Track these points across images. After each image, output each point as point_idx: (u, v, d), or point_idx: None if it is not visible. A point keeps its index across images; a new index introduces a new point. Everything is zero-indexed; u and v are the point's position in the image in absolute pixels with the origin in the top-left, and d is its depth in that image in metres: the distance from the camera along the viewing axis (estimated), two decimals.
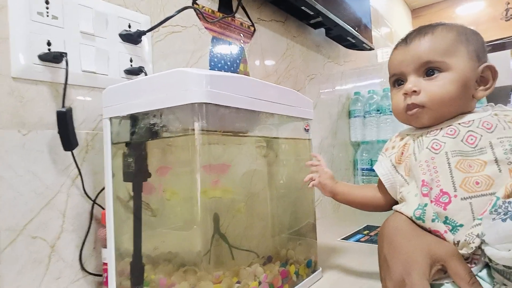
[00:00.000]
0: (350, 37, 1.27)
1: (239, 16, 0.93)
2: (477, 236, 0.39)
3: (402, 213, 0.47)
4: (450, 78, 0.47)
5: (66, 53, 0.52)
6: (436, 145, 0.46)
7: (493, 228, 0.35)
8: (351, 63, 1.55)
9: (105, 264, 0.56)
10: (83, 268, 0.57)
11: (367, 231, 0.98)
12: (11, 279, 0.48)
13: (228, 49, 0.89)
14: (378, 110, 1.40)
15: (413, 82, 0.49)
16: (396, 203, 0.51)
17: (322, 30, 1.26)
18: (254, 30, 0.97)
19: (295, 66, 1.14)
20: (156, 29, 0.70)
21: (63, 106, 0.52)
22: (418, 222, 0.44)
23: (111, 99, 0.51)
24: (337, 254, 0.78)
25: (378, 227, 1.03)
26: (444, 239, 0.42)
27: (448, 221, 0.42)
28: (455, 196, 0.42)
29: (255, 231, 0.60)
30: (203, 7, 0.82)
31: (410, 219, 0.45)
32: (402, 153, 0.51)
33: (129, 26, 0.65)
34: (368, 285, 0.60)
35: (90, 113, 0.59)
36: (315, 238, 0.67)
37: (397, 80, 0.53)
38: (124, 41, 0.64)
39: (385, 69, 1.87)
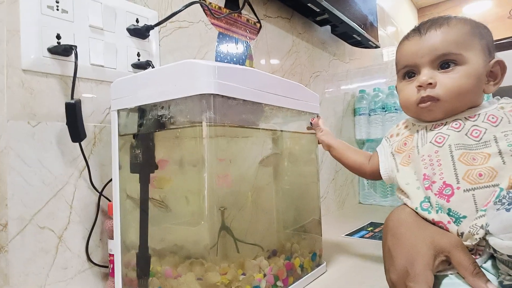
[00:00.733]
0: (356, 35, 1.27)
1: (246, 12, 0.93)
2: (481, 227, 0.39)
3: (407, 205, 0.47)
4: (466, 71, 0.46)
5: (75, 46, 0.53)
6: (440, 138, 0.46)
7: (497, 218, 0.35)
8: (356, 61, 1.54)
9: (111, 255, 0.56)
10: (89, 259, 0.57)
11: (371, 228, 0.98)
12: (19, 267, 0.49)
13: (234, 45, 0.89)
14: (383, 108, 1.39)
15: (427, 74, 0.48)
16: (379, 175, 0.54)
17: (328, 27, 1.26)
18: (260, 26, 0.98)
19: (300, 63, 1.14)
20: (164, 24, 0.70)
21: (72, 98, 0.52)
22: (423, 213, 0.44)
23: (119, 92, 0.52)
24: (341, 249, 0.78)
25: (382, 224, 1.03)
26: (447, 230, 0.42)
27: (451, 213, 0.42)
28: (458, 188, 0.42)
29: (260, 225, 0.60)
30: (210, 3, 0.82)
31: (415, 211, 0.45)
32: (405, 143, 0.51)
33: (137, 21, 0.65)
34: (372, 279, 0.60)
35: (98, 106, 0.59)
36: (320, 233, 0.68)
37: (408, 72, 0.52)
38: (132, 35, 0.64)
39: (390, 69, 1.86)
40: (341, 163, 0.65)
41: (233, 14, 0.88)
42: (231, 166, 0.49)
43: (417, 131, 0.50)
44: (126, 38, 0.64)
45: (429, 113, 0.49)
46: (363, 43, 1.37)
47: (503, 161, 0.41)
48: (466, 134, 0.45)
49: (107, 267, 0.58)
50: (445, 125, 0.48)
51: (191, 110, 0.44)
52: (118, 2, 0.62)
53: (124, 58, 0.63)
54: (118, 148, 0.53)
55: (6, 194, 0.48)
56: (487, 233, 0.37)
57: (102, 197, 0.59)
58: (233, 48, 0.89)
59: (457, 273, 0.40)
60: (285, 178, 0.64)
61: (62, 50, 0.53)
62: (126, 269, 0.53)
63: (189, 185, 0.49)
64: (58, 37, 0.54)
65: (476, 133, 0.44)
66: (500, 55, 0.51)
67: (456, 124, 0.46)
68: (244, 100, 0.47)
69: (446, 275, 0.41)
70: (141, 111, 0.51)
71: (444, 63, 0.47)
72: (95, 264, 0.58)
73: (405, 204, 0.48)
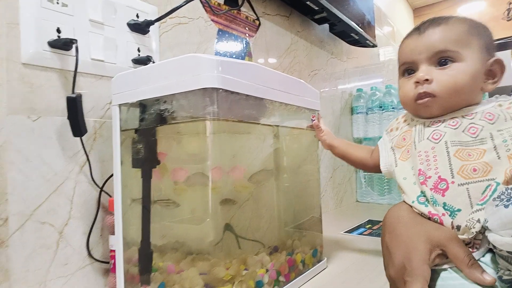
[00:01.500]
0: (354, 33, 1.27)
1: (245, 9, 0.93)
2: (478, 221, 0.39)
3: (404, 202, 0.48)
4: (462, 68, 0.47)
5: (76, 40, 0.52)
6: (436, 135, 0.47)
7: (496, 214, 0.36)
8: (354, 60, 1.55)
9: (112, 251, 0.56)
10: (90, 255, 0.57)
11: (370, 225, 0.99)
12: (20, 263, 0.49)
13: (234, 42, 0.89)
14: (380, 107, 1.40)
15: (425, 70, 0.49)
16: (380, 168, 0.55)
17: (326, 25, 1.26)
18: (259, 24, 0.98)
19: (299, 61, 1.15)
20: (164, 20, 0.70)
21: (73, 92, 0.52)
22: (420, 207, 0.45)
23: (120, 86, 0.51)
24: (340, 246, 0.78)
25: (380, 221, 1.03)
26: (442, 222, 0.42)
27: (446, 207, 0.42)
28: (452, 182, 0.42)
29: (262, 221, 0.60)
30: None
31: (411, 205, 0.46)
32: (404, 138, 0.52)
33: (137, 16, 0.65)
34: (372, 275, 0.60)
35: (98, 101, 0.59)
36: (321, 229, 0.68)
37: (408, 69, 0.52)
38: (132, 30, 0.64)
39: (387, 68, 1.87)
40: (344, 160, 0.67)
41: (232, 11, 0.88)
42: (234, 161, 0.49)
43: (415, 126, 0.51)
44: (126, 33, 0.63)
45: (426, 109, 0.49)
46: (360, 42, 1.38)
47: (498, 156, 0.42)
48: (463, 131, 0.45)
49: (107, 263, 0.58)
50: (442, 122, 0.48)
51: (194, 105, 0.44)
52: None
53: (124, 53, 0.62)
54: (119, 143, 0.52)
55: (6, 189, 0.48)
56: (486, 229, 0.37)
57: (102, 192, 0.58)
58: (233, 45, 0.89)
59: (455, 266, 0.41)
60: (286, 174, 0.65)
61: (62, 44, 0.52)
62: (128, 265, 0.53)
63: (193, 180, 0.48)
64: (58, 31, 0.53)
65: (473, 130, 0.45)
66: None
67: (453, 122, 0.47)
68: (246, 95, 0.47)
69: (445, 269, 0.41)
70: (143, 105, 0.50)
71: (442, 59, 0.48)
72: (96, 260, 0.57)
73: (403, 201, 0.49)
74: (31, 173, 0.50)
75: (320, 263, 0.64)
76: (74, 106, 0.51)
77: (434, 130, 0.47)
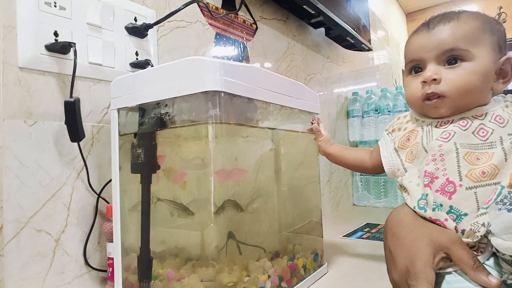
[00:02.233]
0: (350, 37, 1.28)
1: (242, 13, 0.93)
2: (483, 225, 0.39)
3: (406, 205, 0.47)
4: (472, 68, 0.45)
5: (74, 43, 0.51)
6: (445, 134, 0.45)
7: (499, 218, 0.35)
8: (349, 63, 1.56)
9: (110, 259, 0.55)
10: (87, 263, 0.56)
11: (368, 229, 0.99)
12: (15, 272, 0.47)
13: (231, 46, 0.89)
14: (376, 110, 1.41)
15: (432, 70, 0.47)
16: (381, 169, 0.53)
17: (322, 30, 1.27)
18: (256, 28, 0.98)
19: (295, 65, 1.15)
20: (162, 24, 0.70)
21: (71, 97, 0.51)
22: (420, 212, 0.44)
23: (119, 90, 0.50)
24: (340, 250, 0.78)
25: (378, 224, 1.03)
26: (445, 227, 0.42)
27: (453, 210, 0.42)
28: (460, 185, 0.42)
29: (262, 226, 0.59)
30: (207, 3, 0.82)
31: (413, 210, 0.45)
32: (408, 139, 0.50)
33: (135, 20, 0.64)
34: (373, 279, 0.60)
35: (96, 106, 0.58)
36: (321, 233, 0.67)
37: (415, 67, 0.50)
38: (130, 34, 0.63)
39: (381, 72, 1.88)
40: (340, 165, 0.66)
41: (229, 15, 0.88)
42: (236, 164, 0.48)
43: (422, 128, 0.49)
44: (125, 37, 0.62)
45: (435, 110, 0.48)
46: (356, 46, 1.39)
47: (505, 158, 0.41)
48: (472, 133, 0.44)
49: (105, 271, 0.57)
50: (451, 123, 0.47)
51: (196, 108, 0.43)
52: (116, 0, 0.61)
53: (122, 56, 0.62)
54: (118, 147, 0.51)
55: (2, 195, 0.46)
56: (489, 232, 0.37)
57: (100, 199, 0.57)
58: (230, 48, 0.88)
59: (459, 269, 0.40)
60: (287, 178, 0.64)
61: (60, 48, 0.51)
62: (126, 273, 0.52)
63: (195, 185, 0.48)
64: (56, 34, 0.52)
65: (483, 132, 0.44)
66: None
67: (463, 122, 0.45)
68: (249, 98, 0.47)
69: (449, 272, 0.41)
70: (143, 109, 0.49)
71: (451, 58, 0.46)
72: (94, 268, 0.56)
73: (405, 203, 0.48)
74: (27, 179, 0.49)
75: (321, 267, 0.63)
76: (72, 111, 0.50)
77: (443, 131, 0.46)
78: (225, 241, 0.44)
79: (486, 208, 0.39)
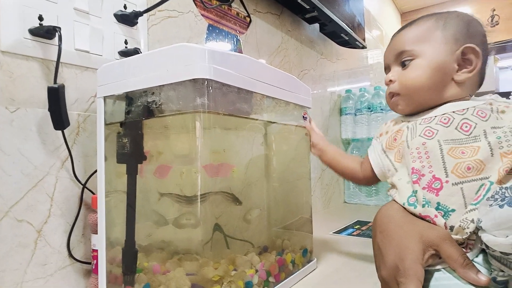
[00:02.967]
0: (344, 34, 1.28)
1: (236, 6, 0.92)
2: (472, 221, 0.38)
3: (395, 201, 0.47)
4: (420, 64, 0.49)
5: (59, 28, 0.50)
6: (429, 132, 0.46)
7: (490, 214, 0.35)
8: (343, 61, 1.55)
9: (95, 251, 0.53)
10: (70, 255, 0.54)
11: (358, 226, 0.98)
12: None
13: (224, 38, 0.87)
14: (369, 108, 1.40)
15: (391, 72, 0.53)
16: (373, 179, 0.55)
17: (317, 25, 1.26)
18: (250, 21, 0.96)
19: (289, 60, 1.14)
20: (153, 13, 0.68)
21: (55, 83, 0.49)
22: (410, 208, 0.44)
23: (106, 77, 0.49)
24: (330, 246, 0.77)
25: (369, 222, 1.03)
26: (434, 224, 0.42)
27: (440, 207, 0.42)
28: (447, 181, 0.42)
29: (252, 221, 0.58)
30: None
31: (402, 206, 0.45)
32: (395, 139, 0.51)
33: (125, 7, 0.63)
34: (362, 275, 0.59)
35: (83, 94, 0.56)
36: (311, 229, 0.67)
37: (386, 71, 0.56)
38: (119, 21, 0.61)
39: (375, 71, 1.89)
40: (332, 168, 0.64)
41: (223, 7, 0.86)
42: (225, 157, 0.47)
43: (407, 127, 0.50)
44: (113, 24, 0.61)
45: (395, 106, 0.53)
46: (350, 43, 1.38)
47: (491, 153, 0.41)
48: (456, 128, 0.44)
49: (89, 263, 0.55)
50: (434, 119, 0.47)
51: (184, 96, 0.42)
52: None
53: (111, 44, 0.60)
54: (104, 137, 0.50)
55: None
56: (480, 229, 0.37)
57: (85, 189, 0.56)
58: (223, 41, 0.87)
59: (448, 267, 0.40)
60: (277, 172, 0.63)
61: (44, 32, 0.50)
62: (111, 265, 0.51)
63: (182, 177, 0.47)
64: (41, 18, 0.51)
65: (466, 127, 0.44)
66: None
67: (444, 119, 0.46)
68: (238, 88, 0.46)
69: (438, 270, 0.41)
70: (130, 98, 0.48)
71: (403, 61, 0.51)
72: (77, 260, 0.54)
73: (393, 200, 0.48)
74: (9, 168, 0.47)
75: (310, 263, 0.63)
76: (56, 97, 0.48)
77: (426, 127, 0.47)
78: (211, 235, 0.43)
79: (476, 204, 0.39)
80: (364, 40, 1.41)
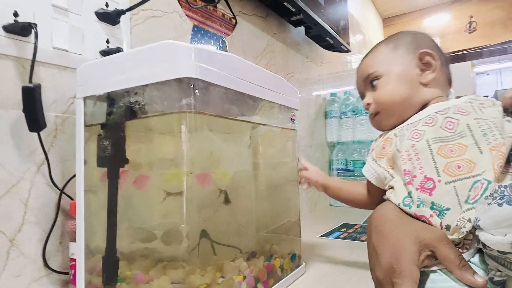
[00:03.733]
0: (329, 38, 1.28)
1: (221, 7, 0.90)
2: (469, 220, 0.38)
3: (391, 201, 0.46)
4: (386, 81, 0.54)
5: (35, 24, 0.47)
6: (416, 135, 0.47)
7: (489, 212, 0.35)
8: (328, 65, 1.56)
9: (73, 260, 0.50)
10: (46, 265, 0.51)
11: (345, 229, 0.98)
12: None
13: (209, 39, 0.86)
14: (354, 111, 1.41)
15: (366, 97, 0.57)
16: (380, 194, 0.52)
17: (302, 29, 1.26)
18: (236, 22, 0.95)
19: (275, 63, 1.13)
20: (136, 12, 0.66)
21: (30, 82, 0.47)
22: (405, 208, 0.44)
23: (86, 77, 0.47)
24: (318, 250, 0.76)
25: (355, 225, 1.03)
26: (430, 224, 0.41)
27: (435, 206, 0.42)
28: (439, 181, 0.42)
29: (238, 226, 0.57)
30: None
31: (398, 206, 0.45)
32: (384, 147, 0.51)
33: (107, 5, 0.60)
34: (352, 279, 0.58)
35: (61, 95, 0.54)
36: (299, 234, 0.65)
37: (361, 96, 0.61)
38: (100, 20, 0.59)
39: None
40: (339, 200, 0.65)
41: (208, 7, 0.85)
42: (212, 160, 0.45)
43: (395, 134, 0.51)
44: (94, 23, 0.58)
45: (380, 124, 0.56)
46: (335, 47, 1.39)
47: (480, 151, 0.41)
48: (440, 127, 0.45)
49: (67, 273, 0.52)
50: (419, 121, 0.48)
51: (168, 96, 0.40)
52: None
53: (91, 43, 0.57)
54: (83, 140, 0.47)
55: None
56: (477, 228, 0.36)
57: (63, 195, 0.53)
58: (208, 42, 0.85)
59: (445, 268, 0.39)
60: (264, 176, 0.62)
61: (19, 29, 0.47)
62: (90, 275, 0.48)
63: (166, 181, 0.44)
64: (15, 14, 0.48)
65: (450, 125, 0.45)
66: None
67: (429, 119, 0.47)
68: (225, 88, 0.44)
69: (434, 271, 0.40)
70: (111, 98, 0.46)
71: (371, 83, 0.56)
72: (53, 271, 0.51)
73: (389, 200, 0.47)
74: None
75: (299, 268, 0.61)
76: (31, 98, 0.45)
77: (413, 130, 0.48)
78: (197, 241, 0.41)
79: (473, 203, 0.39)
80: (348, 43, 1.42)
